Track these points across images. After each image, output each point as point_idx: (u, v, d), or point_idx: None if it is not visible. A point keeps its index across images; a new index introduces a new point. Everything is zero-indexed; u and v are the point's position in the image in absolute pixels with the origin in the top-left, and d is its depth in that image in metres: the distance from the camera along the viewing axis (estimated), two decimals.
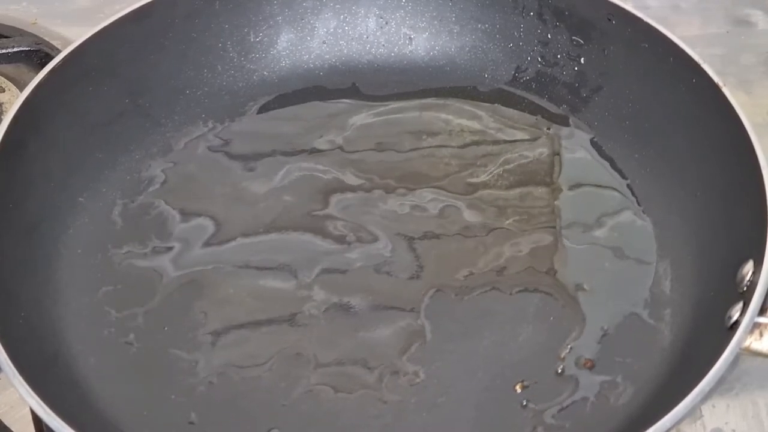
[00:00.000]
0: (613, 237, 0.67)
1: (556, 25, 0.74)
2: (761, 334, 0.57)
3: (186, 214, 0.69)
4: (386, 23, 0.77)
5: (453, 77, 0.77)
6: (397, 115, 0.75)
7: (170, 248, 0.67)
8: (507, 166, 0.72)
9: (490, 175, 0.71)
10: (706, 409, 0.63)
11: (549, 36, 0.74)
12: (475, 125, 0.74)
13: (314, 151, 0.73)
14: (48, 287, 0.64)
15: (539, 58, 0.75)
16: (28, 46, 0.79)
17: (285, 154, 0.73)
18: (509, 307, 0.64)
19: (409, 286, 0.65)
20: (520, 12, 0.74)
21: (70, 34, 0.82)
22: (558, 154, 0.72)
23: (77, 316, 0.64)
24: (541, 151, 0.73)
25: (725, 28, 0.85)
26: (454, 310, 0.64)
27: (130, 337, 0.63)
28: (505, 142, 0.73)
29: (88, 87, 0.70)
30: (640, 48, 0.70)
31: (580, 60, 0.73)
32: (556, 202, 0.70)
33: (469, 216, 0.69)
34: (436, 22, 0.77)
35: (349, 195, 0.70)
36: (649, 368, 0.61)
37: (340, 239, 0.67)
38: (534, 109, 0.75)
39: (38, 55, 0.79)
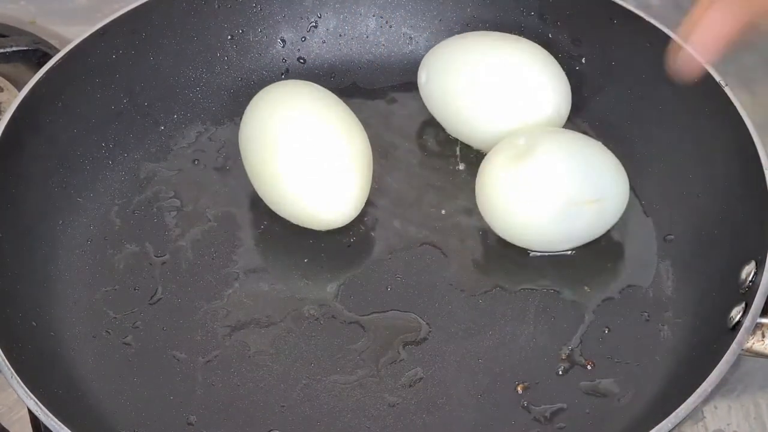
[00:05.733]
0: (614, 237, 0.67)
1: (557, 25, 0.73)
2: (763, 335, 0.57)
3: (185, 215, 0.69)
4: (386, 23, 0.77)
5: None
6: (397, 114, 0.75)
7: (169, 249, 0.67)
8: None
9: None
10: (707, 410, 0.63)
11: (550, 35, 0.73)
12: None
13: None
14: (46, 288, 0.64)
15: None
16: (26, 46, 0.79)
17: None
18: (510, 307, 0.64)
19: (408, 287, 0.65)
20: (521, 11, 0.74)
21: (69, 34, 0.82)
22: None
23: (75, 317, 0.63)
24: None
25: None
26: (455, 311, 0.64)
27: (128, 337, 0.63)
28: None
29: (87, 86, 0.70)
30: (642, 47, 0.70)
31: (581, 60, 0.73)
32: None
33: (469, 215, 0.68)
34: (436, 21, 0.77)
35: None
36: (651, 369, 0.61)
37: (341, 239, 0.67)
38: None
39: (36, 54, 0.79)
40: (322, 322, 0.63)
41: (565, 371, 0.61)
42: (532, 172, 0.63)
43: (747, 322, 0.56)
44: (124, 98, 0.72)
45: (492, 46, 0.69)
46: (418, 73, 0.71)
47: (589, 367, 0.61)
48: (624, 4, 0.71)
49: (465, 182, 0.70)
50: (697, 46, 0.54)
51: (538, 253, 0.66)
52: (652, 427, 0.53)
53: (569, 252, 0.66)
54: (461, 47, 0.70)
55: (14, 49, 0.79)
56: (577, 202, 0.62)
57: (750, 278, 0.58)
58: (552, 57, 0.69)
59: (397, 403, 0.60)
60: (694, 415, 0.63)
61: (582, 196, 0.62)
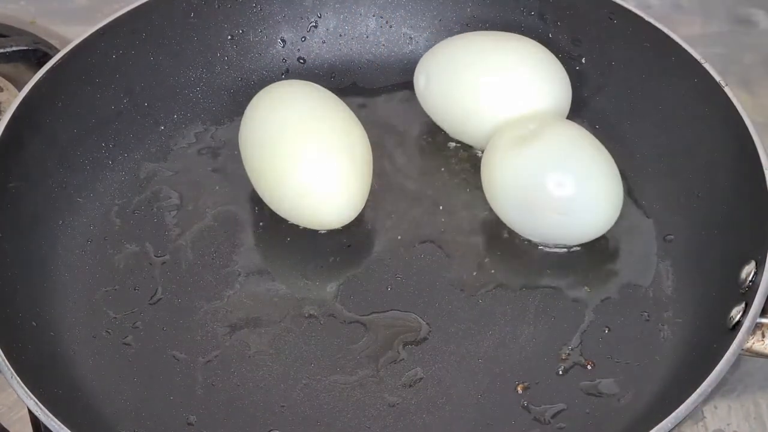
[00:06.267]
0: (614, 237, 0.67)
1: (557, 25, 0.73)
2: (763, 335, 0.57)
3: (185, 215, 0.69)
4: (386, 23, 0.77)
5: None
6: (397, 114, 0.75)
7: (169, 249, 0.67)
8: None
9: None
10: (707, 410, 0.63)
11: (550, 35, 0.73)
12: None
13: None
14: (46, 288, 0.64)
15: None
16: (26, 46, 0.79)
17: None
18: (510, 307, 0.64)
19: (408, 287, 0.65)
20: (521, 11, 0.74)
21: (69, 34, 0.82)
22: None
23: (75, 317, 0.63)
24: None
25: (727, 28, 0.85)
26: (455, 311, 0.64)
27: (128, 338, 0.63)
28: None
29: (87, 86, 0.70)
30: (642, 47, 0.70)
31: (581, 60, 0.73)
32: None
33: (469, 215, 0.68)
34: (436, 21, 0.77)
35: None
36: (651, 369, 0.61)
37: (341, 239, 0.67)
38: None
39: (36, 54, 0.79)
40: (322, 321, 0.63)
41: (565, 371, 0.61)
42: (525, 159, 0.63)
43: (747, 322, 0.56)
44: (124, 98, 0.72)
45: (492, 46, 0.69)
46: (415, 77, 0.71)
47: (589, 367, 0.61)
48: (624, 4, 0.71)
49: (465, 182, 0.70)
50: None
51: (534, 243, 0.66)
52: (652, 427, 0.53)
53: (566, 250, 0.66)
54: (461, 48, 0.70)
55: (14, 49, 0.79)
56: (543, 208, 0.63)
57: (750, 278, 0.58)
58: (552, 55, 0.69)
59: (397, 403, 0.60)
60: (694, 415, 0.63)
61: (548, 204, 0.63)
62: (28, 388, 0.55)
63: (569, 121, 0.68)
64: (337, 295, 0.65)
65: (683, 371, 0.59)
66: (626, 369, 0.61)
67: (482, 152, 0.68)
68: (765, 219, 0.60)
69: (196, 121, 0.74)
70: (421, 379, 0.61)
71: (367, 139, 0.67)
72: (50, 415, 0.54)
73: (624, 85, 0.72)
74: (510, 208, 0.65)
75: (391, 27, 0.77)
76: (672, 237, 0.67)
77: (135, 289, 0.65)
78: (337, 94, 0.68)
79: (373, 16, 0.77)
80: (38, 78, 0.67)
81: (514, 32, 0.71)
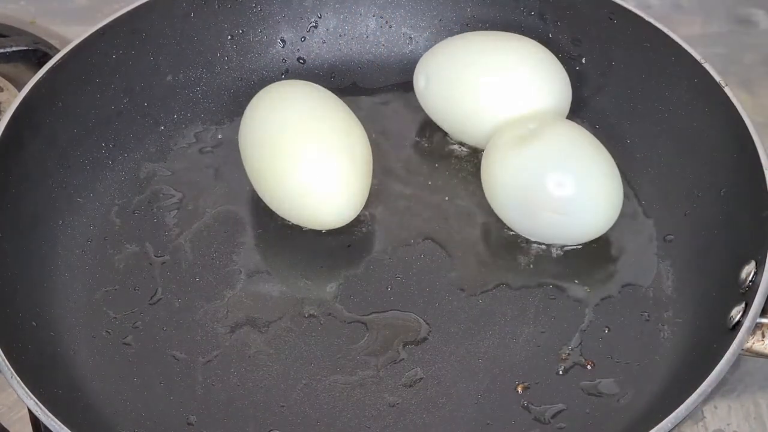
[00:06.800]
0: (614, 237, 0.67)
1: (557, 25, 0.73)
2: (763, 335, 0.57)
3: (185, 214, 0.69)
4: (386, 23, 0.77)
5: None
6: (398, 114, 0.75)
7: (169, 249, 0.67)
8: None
9: None
10: (707, 410, 0.63)
11: (550, 35, 0.73)
12: None
13: None
14: (46, 288, 0.64)
15: None
16: (26, 46, 0.79)
17: None
18: (510, 307, 0.64)
19: (408, 287, 0.65)
20: (521, 11, 0.74)
21: (69, 34, 0.82)
22: None
23: (75, 317, 0.63)
24: None
25: (727, 28, 0.85)
26: (455, 311, 0.64)
27: (128, 337, 0.63)
28: None
29: (87, 86, 0.70)
30: (642, 47, 0.70)
31: (581, 60, 0.73)
32: None
33: (469, 215, 0.68)
34: (436, 21, 0.77)
35: None
36: (651, 369, 0.61)
37: (341, 239, 0.67)
38: None
39: (36, 54, 0.79)
40: (322, 321, 0.63)
41: (565, 371, 0.61)
42: (525, 159, 0.64)
43: (747, 322, 0.56)
44: (124, 98, 0.72)
45: (492, 46, 0.69)
46: (415, 77, 0.71)
47: (589, 367, 0.61)
48: (624, 4, 0.71)
49: (465, 182, 0.70)
50: None
51: (534, 243, 0.66)
52: (652, 427, 0.53)
53: (567, 250, 0.66)
54: (461, 48, 0.70)
55: (14, 49, 0.79)
56: (543, 208, 0.63)
57: (750, 278, 0.58)
58: (552, 55, 0.69)
59: (397, 403, 0.60)
60: (694, 415, 0.63)
61: (548, 204, 0.63)
62: (28, 388, 0.55)
63: (569, 121, 0.68)
64: (337, 295, 0.65)
65: (683, 371, 0.59)
66: (626, 369, 0.61)
67: (482, 152, 0.68)
68: (765, 219, 0.60)
69: (196, 121, 0.74)
70: (421, 379, 0.61)
71: (367, 139, 0.67)
72: (50, 415, 0.54)
73: (624, 85, 0.72)
74: (510, 208, 0.65)
75: (391, 27, 0.77)
76: (672, 237, 0.67)
77: (135, 289, 0.65)
78: (337, 94, 0.68)
79: (373, 16, 0.77)
80: (38, 78, 0.67)
81: (514, 32, 0.71)
